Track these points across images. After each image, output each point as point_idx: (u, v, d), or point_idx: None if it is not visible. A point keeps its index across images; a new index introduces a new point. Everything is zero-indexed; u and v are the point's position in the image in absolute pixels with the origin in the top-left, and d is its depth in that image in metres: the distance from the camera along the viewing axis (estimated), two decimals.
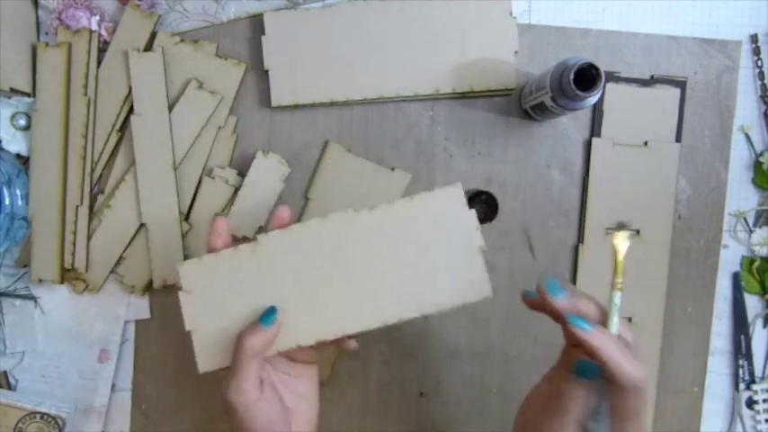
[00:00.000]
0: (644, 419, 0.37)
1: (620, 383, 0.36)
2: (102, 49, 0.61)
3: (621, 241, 0.40)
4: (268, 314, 0.44)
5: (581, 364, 0.38)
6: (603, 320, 0.39)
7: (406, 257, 0.44)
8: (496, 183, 0.64)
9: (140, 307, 0.63)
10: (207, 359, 0.45)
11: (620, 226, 0.48)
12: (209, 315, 0.45)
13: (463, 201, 0.43)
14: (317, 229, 0.45)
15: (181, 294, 0.46)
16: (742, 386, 0.65)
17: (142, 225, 0.61)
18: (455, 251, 0.44)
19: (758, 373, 0.65)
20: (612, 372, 0.36)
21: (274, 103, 0.62)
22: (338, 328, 0.44)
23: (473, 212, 0.43)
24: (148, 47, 0.62)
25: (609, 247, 0.41)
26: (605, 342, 0.37)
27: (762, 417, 0.64)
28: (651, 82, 0.63)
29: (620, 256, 0.40)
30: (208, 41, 0.62)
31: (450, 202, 0.44)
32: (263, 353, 0.43)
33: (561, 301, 0.39)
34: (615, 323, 0.39)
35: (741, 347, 0.65)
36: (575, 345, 0.40)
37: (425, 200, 0.44)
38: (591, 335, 0.37)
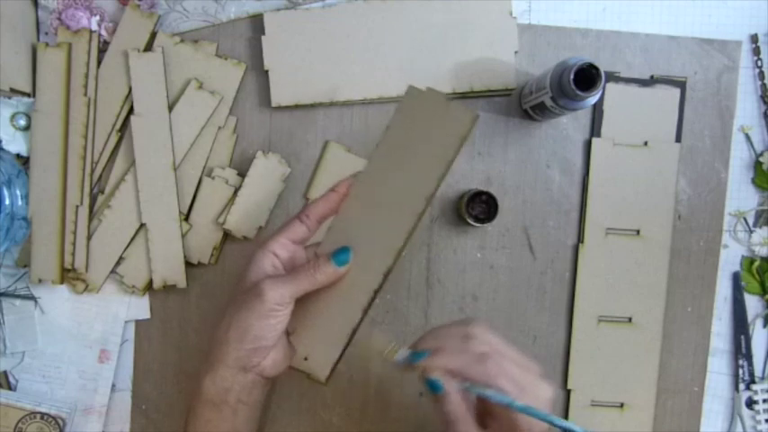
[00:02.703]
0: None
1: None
2: (102, 49, 0.61)
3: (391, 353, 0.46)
4: (342, 253, 0.46)
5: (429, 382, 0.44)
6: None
7: None
8: (496, 183, 0.64)
9: (140, 307, 0.63)
10: None
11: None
12: None
13: None
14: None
15: None
16: (742, 386, 0.65)
17: (142, 225, 0.61)
18: None
19: (758, 373, 0.65)
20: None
21: (274, 103, 0.62)
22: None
23: None
24: (148, 47, 0.61)
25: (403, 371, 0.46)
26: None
27: (762, 417, 0.64)
28: (651, 82, 0.63)
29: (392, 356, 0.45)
30: (208, 41, 0.62)
31: None
32: (320, 286, 0.46)
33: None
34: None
35: (741, 347, 0.65)
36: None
37: None
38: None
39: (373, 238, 0.46)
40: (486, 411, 0.43)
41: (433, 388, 0.43)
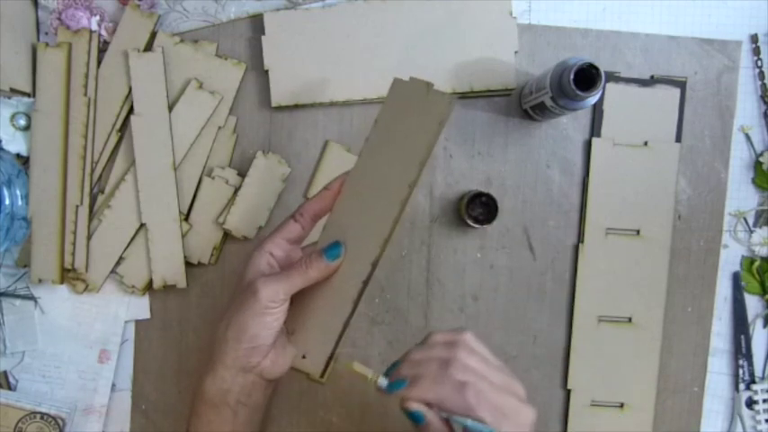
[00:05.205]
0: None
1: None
2: (102, 49, 0.61)
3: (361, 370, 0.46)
4: (333, 248, 0.46)
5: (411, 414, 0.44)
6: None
7: None
8: (496, 183, 0.64)
9: (140, 307, 0.63)
10: None
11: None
12: None
13: None
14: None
15: None
16: (742, 386, 0.65)
17: (142, 225, 0.61)
18: None
19: (758, 373, 0.65)
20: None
21: (274, 103, 0.62)
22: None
23: None
24: (148, 47, 0.61)
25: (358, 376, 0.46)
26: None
27: (762, 417, 0.64)
28: (651, 82, 0.63)
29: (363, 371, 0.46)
30: (208, 41, 0.62)
31: None
32: (313, 281, 0.46)
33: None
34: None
35: (741, 347, 0.65)
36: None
37: None
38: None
39: (362, 230, 0.47)
40: None
41: (414, 419, 0.43)
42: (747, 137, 0.65)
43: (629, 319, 0.63)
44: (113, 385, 0.63)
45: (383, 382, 0.45)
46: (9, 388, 0.63)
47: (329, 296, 0.47)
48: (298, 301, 0.47)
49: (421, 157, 0.44)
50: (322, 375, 0.47)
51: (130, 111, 0.61)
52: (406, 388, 0.43)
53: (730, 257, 0.65)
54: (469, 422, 0.41)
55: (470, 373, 0.43)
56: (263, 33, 0.61)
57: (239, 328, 0.45)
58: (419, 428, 0.43)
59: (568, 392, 0.64)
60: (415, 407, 0.42)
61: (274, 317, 0.45)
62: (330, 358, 0.47)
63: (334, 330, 0.46)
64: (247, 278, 0.47)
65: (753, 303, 0.65)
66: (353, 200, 0.48)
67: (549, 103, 0.56)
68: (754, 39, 0.64)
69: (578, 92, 0.52)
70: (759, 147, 0.65)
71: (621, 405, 0.63)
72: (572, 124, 0.64)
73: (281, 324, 0.46)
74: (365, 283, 0.45)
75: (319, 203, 0.49)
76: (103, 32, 0.61)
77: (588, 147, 0.63)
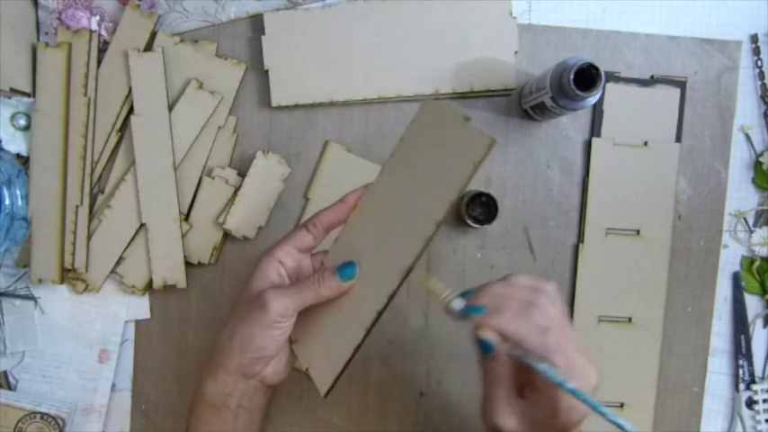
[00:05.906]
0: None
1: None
2: (102, 49, 0.62)
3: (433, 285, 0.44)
4: (347, 268, 0.45)
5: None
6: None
7: None
8: (496, 183, 0.64)
9: (140, 307, 0.63)
10: None
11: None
12: None
13: None
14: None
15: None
16: (742, 386, 0.65)
17: (142, 225, 0.61)
18: None
19: (758, 373, 0.65)
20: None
21: (274, 103, 0.62)
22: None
23: None
24: (148, 47, 0.62)
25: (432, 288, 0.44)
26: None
27: (762, 417, 0.64)
28: (651, 82, 0.63)
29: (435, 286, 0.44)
30: (208, 41, 0.62)
31: None
32: (324, 300, 0.45)
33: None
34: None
35: (741, 347, 0.65)
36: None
37: None
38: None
39: (380, 256, 0.45)
40: (527, 381, 0.41)
41: (484, 348, 0.41)
42: (747, 137, 0.65)
43: (629, 319, 0.63)
44: (113, 385, 0.63)
45: (459, 303, 0.42)
46: (9, 388, 0.63)
47: (340, 316, 0.46)
48: (304, 311, 0.46)
49: (450, 196, 0.41)
50: (326, 395, 0.46)
51: (130, 111, 0.61)
52: (487, 315, 0.41)
53: (730, 257, 0.65)
54: (544, 366, 0.38)
55: (552, 321, 0.41)
56: (263, 33, 0.61)
57: (245, 339, 0.45)
58: (484, 359, 0.41)
59: None
60: (491, 336, 0.40)
61: (282, 330, 0.45)
62: (336, 380, 0.45)
63: (343, 354, 0.45)
64: (256, 286, 0.46)
65: (753, 303, 0.65)
66: (371, 220, 0.46)
67: (549, 103, 0.56)
68: (754, 39, 0.64)
69: (578, 92, 0.52)
70: (759, 147, 0.65)
71: (621, 405, 0.63)
72: (572, 124, 0.64)
73: (287, 337, 0.46)
74: (380, 313, 0.43)
75: (334, 215, 0.48)
76: (103, 32, 0.61)
77: (588, 147, 0.63)
